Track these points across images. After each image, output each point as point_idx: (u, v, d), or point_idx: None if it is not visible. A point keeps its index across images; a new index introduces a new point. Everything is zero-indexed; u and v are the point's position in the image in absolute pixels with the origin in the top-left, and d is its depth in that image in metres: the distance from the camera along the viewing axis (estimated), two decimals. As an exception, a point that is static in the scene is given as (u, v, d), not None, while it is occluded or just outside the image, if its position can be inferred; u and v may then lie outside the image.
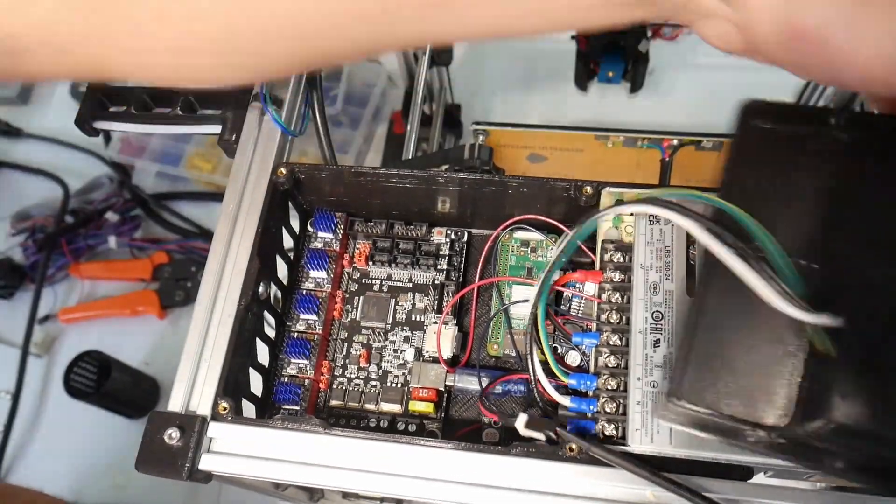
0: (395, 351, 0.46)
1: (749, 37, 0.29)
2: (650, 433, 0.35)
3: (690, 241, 0.40)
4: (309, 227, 0.48)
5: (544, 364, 0.40)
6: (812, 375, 0.29)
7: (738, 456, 0.35)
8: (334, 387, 0.46)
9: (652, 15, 0.31)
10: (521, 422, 0.38)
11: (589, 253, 0.43)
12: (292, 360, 0.45)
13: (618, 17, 0.31)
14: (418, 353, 0.46)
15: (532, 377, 0.40)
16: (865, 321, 0.28)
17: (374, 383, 0.46)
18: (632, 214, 0.41)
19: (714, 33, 0.31)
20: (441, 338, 0.45)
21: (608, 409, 0.37)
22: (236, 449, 0.38)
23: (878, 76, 0.27)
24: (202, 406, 0.39)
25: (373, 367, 0.46)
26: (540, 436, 0.38)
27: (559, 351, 0.43)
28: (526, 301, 0.46)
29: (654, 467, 0.35)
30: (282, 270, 0.47)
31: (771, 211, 0.31)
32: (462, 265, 0.48)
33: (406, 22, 0.31)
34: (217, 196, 0.92)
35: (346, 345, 0.47)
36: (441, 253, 0.48)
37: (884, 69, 0.27)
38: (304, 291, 0.47)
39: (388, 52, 0.37)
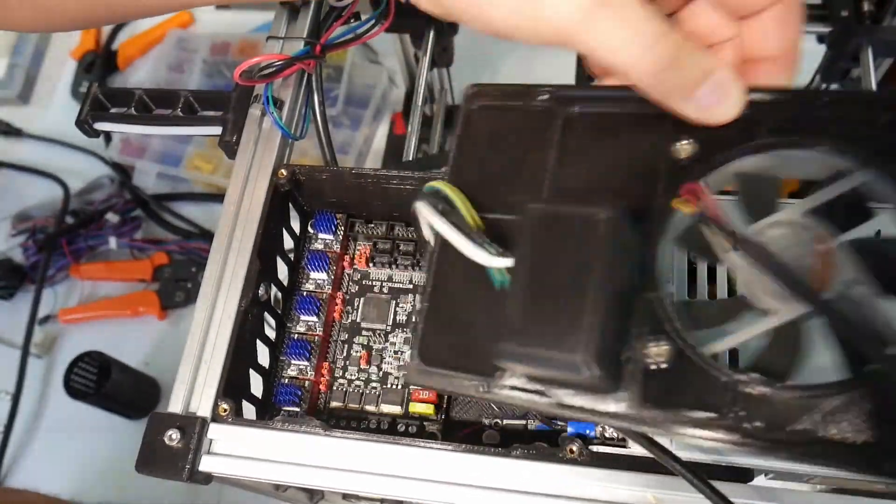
0: (395, 352, 0.46)
1: None
2: (651, 434, 0.35)
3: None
4: (309, 229, 0.48)
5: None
6: (500, 313, 0.31)
7: (737, 458, 0.35)
8: (334, 388, 0.46)
9: None
10: None
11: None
12: (293, 362, 0.45)
13: None
14: (419, 354, 0.46)
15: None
16: (522, 259, 0.31)
17: (374, 385, 0.46)
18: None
19: None
20: (441, 339, 0.45)
21: (609, 411, 0.37)
22: (236, 450, 0.38)
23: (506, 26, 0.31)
24: (202, 407, 0.39)
25: (373, 369, 0.46)
26: None
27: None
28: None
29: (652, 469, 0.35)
30: (282, 272, 0.47)
31: (490, 175, 0.35)
32: (462, 267, 0.48)
33: None
34: (217, 197, 0.92)
35: (346, 346, 0.47)
36: (441, 254, 0.48)
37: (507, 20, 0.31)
38: (305, 293, 0.47)
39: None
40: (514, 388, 0.31)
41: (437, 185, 0.34)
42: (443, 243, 0.34)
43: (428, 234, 0.34)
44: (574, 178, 0.34)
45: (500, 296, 0.31)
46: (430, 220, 0.33)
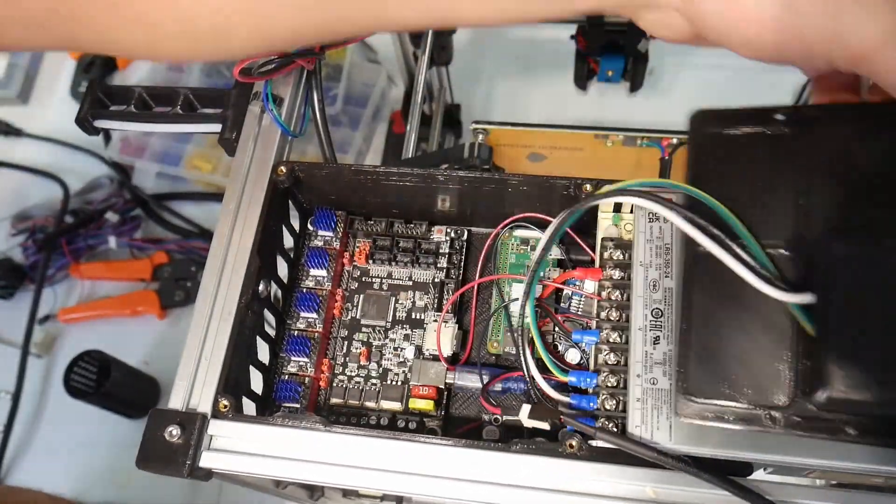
0: (395, 349, 0.46)
1: (694, 20, 0.32)
2: (650, 429, 0.36)
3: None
4: (309, 226, 0.49)
5: (538, 361, 0.40)
6: (802, 352, 0.31)
7: (737, 452, 0.35)
8: (334, 385, 0.46)
9: (596, 8, 0.34)
10: (524, 412, 0.38)
11: (588, 251, 0.43)
12: (293, 358, 0.46)
13: (565, 11, 0.34)
14: (418, 350, 0.46)
15: (527, 375, 0.40)
16: (836, 295, 0.31)
17: (374, 381, 0.46)
18: (631, 211, 0.42)
19: (659, 23, 0.34)
20: (441, 336, 0.45)
21: (608, 406, 0.37)
22: (237, 446, 0.38)
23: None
24: (203, 403, 0.39)
25: (373, 365, 0.46)
26: (544, 424, 0.38)
27: (559, 349, 0.43)
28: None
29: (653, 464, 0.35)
30: (282, 269, 0.47)
31: (735, 207, 0.34)
32: (462, 263, 0.48)
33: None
34: (217, 196, 0.92)
35: (346, 343, 0.47)
36: (441, 251, 0.48)
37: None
38: (305, 290, 0.47)
39: (385, 29, 0.42)
40: (810, 423, 0.31)
41: (713, 202, 0.33)
42: (695, 267, 0.33)
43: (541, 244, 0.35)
44: (839, 200, 0.33)
45: (786, 329, 0.32)
46: (706, 244, 0.33)
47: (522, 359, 0.40)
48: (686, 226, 0.33)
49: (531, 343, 0.41)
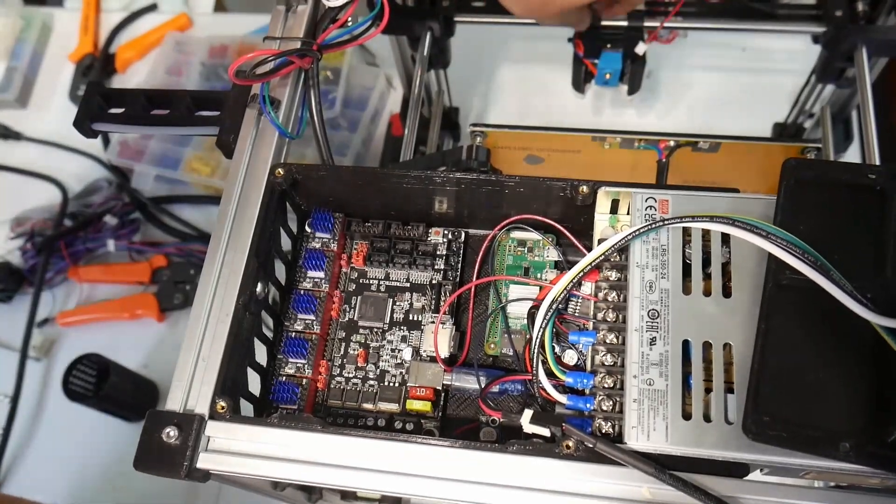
0: (392, 350, 0.47)
1: None
2: (646, 430, 0.36)
3: (686, 240, 0.40)
4: (306, 228, 0.49)
5: (544, 364, 0.40)
6: (883, 383, 0.33)
7: (733, 453, 0.35)
8: (332, 386, 0.46)
9: None
10: (526, 417, 0.38)
11: (585, 252, 0.43)
12: (290, 360, 0.46)
13: None
14: (416, 352, 0.46)
15: (535, 381, 0.40)
16: None
17: (371, 382, 0.46)
18: (628, 212, 0.42)
19: None
20: (438, 337, 0.45)
21: (605, 407, 0.37)
22: (234, 447, 0.38)
23: None
24: (200, 405, 0.39)
25: (370, 367, 0.46)
26: (544, 431, 0.38)
27: (556, 350, 0.43)
28: (523, 300, 0.46)
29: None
30: (279, 271, 0.47)
31: (821, 249, 0.36)
32: (459, 265, 0.48)
33: None
34: (215, 199, 0.92)
35: (343, 344, 0.47)
36: (438, 253, 0.48)
37: None
38: (302, 291, 0.47)
39: None
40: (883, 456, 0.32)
41: (801, 243, 0.36)
42: (778, 294, 0.35)
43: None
44: None
45: (866, 360, 0.33)
46: (806, 272, 0.35)
47: (535, 368, 0.40)
48: (785, 255, 0.35)
49: (543, 359, 0.41)
